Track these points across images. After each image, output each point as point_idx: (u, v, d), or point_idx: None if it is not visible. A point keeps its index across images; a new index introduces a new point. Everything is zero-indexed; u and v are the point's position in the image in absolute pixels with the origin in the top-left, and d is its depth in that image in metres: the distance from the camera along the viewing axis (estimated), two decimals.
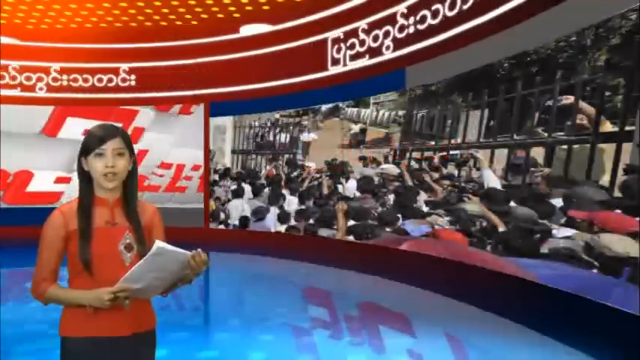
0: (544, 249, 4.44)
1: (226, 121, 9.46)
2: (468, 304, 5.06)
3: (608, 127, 4.04)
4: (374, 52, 6.98)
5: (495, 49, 5.11)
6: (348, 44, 7.37)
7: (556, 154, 4.57)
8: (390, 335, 4.56)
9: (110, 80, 9.48)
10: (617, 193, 3.84)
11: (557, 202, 4.41)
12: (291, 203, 8.33)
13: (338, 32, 7.52)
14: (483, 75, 5.42)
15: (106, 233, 1.64)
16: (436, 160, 6.26)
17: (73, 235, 1.62)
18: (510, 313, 4.58)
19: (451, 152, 6.01)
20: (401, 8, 6.52)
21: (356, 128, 7.76)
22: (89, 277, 1.61)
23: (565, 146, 4.46)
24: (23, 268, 6.90)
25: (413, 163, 6.65)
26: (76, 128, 9.22)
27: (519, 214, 4.75)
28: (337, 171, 7.78)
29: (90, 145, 1.63)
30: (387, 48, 6.74)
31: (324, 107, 8.35)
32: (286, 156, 8.89)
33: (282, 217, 8.29)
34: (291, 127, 8.85)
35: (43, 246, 1.63)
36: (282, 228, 8.27)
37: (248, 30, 8.63)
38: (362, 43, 7.14)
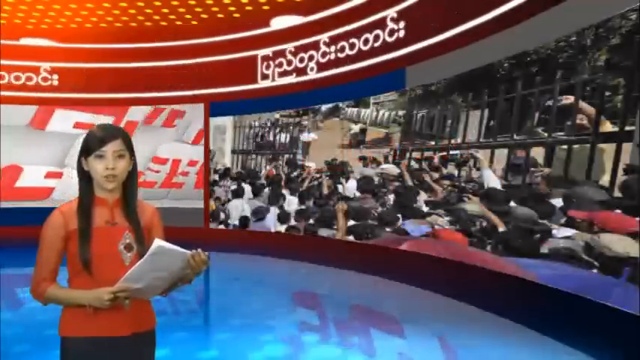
0: (544, 249, 4.44)
1: (226, 121, 9.46)
2: (468, 304, 5.06)
3: (608, 127, 4.04)
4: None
5: (495, 49, 5.11)
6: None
7: (556, 154, 4.57)
8: (390, 335, 4.56)
9: (109, 80, 9.46)
10: (617, 193, 3.84)
11: (557, 202, 4.41)
12: (291, 203, 8.33)
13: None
14: (483, 75, 5.42)
15: (105, 233, 1.64)
16: (436, 160, 6.26)
17: (73, 235, 1.62)
18: (510, 313, 4.58)
19: (451, 152, 6.01)
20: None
21: (356, 128, 7.76)
22: (89, 276, 1.61)
23: (565, 146, 4.47)
24: (21, 268, 6.90)
25: (413, 163, 6.64)
26: (65, 121, 9.12)
27: (519, 214, 4.75)
28: (337, 171, 7.78)
29: (90, 145, 1.63)
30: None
31: (324, 107, 8.35)
32: (286, 156, 8.89)
33: (282, 217, 8.29)
34: (291, 127, 8.85)
35: (43, 246, 1.63)
36: (282, 228, 8.27)
37: (279, 22, 8.27)
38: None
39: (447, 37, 5.78)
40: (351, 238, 7.10)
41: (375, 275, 6.42)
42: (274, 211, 8.44)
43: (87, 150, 1.64)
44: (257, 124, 9.26)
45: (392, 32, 6.70)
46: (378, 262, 6.46)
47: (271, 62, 8.53)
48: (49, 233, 1.63)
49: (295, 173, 8.58)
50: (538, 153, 4.76)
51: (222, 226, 9.12)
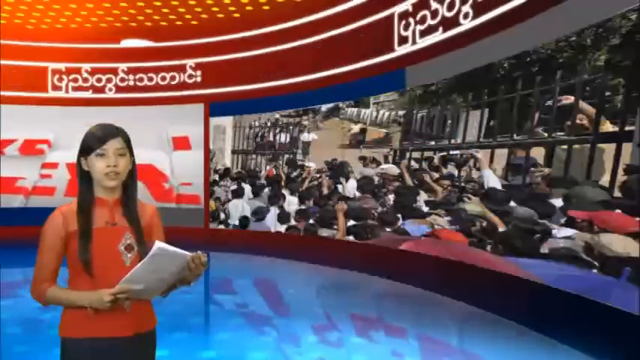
0: (544, 249, 4.44)
1: (226, 121, 9.45)
2: (468, 304, 5.06)
3: (608, 127, 4.04)
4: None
5: (495, 49, 5.11)
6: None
7: (556, 154, 4.57)
8: (389, 335, 4.55)
9: (109, 80, 9.46)
10: (617, 193, 3.84)
11: (557, 202, 4.41)
12: (291, 203, 8.33)
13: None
14: (483, 75, 5.42)
15: (106, 234, 1.64)
16: (436, 160, 6.26)
17: (73, 236, 1.61)
18: (510, 313, 4.57)
19: (451, 152, 6.01)
20: None
21: (356, 128, 7.76)
22: (89, 277, 1.60)
23: (565, 146, 4.47)
24: (22, 268, 6.90)
25: (413, 163, 6.64)
26: None
27: (519, 214, 4.75)
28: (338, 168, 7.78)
29: (90, 145, 1.62)
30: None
31: (324, 107, 8.35)
32: (286, 156, 8.89)
33: (282, 217, 8.29)
34: (291, 127, 8.85)
35: (43, 247, 1.63)
36: (282, 228, 8.27)
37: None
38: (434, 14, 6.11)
39: (447, 37, 5.77)
40: (351, 238, 7.10)
41: (375, 275, 6.42)
42: (274, 211, 8.45)
43: (87, 149, 1.63)
44: (257, 124, 9.26)
45: None
46: (378, 262, 6.46)
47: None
48: (49, 234, 1.62)
49: (295, 173, 8.58)
50: (538, 153, 4.76)
51: (222, 226, 9.12)
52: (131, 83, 9.46)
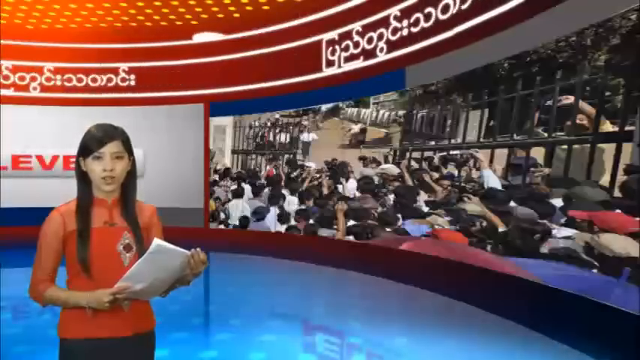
0: (544, 249, 4.44)
1: (226, 121, 9.45)
2: (468, 304, 5.05)
3: (608, 127, 4.04)
4: (369, 54, 7.00)
5: (495, 49, 5.11)
6: (342, 46, 7.39)
7: (556, 154, 4.57)
8: (389, 335, 4.55)
9: (109, 80, 9.46)
10: (617, 193, 3.84)
11: (557, 202, 4.41)
12: (291, 203, 8.33)
13: (333, 34, 7.53)
14: (483, 75, 5.42)
15: (104, 234, 1.63)
16: (436, 160, 6.26)
17: (72, 236, 1.60)
18: (510, 313, 4.57)
19: (451, 152, 6.01)
20: (394, 11, 6.57)
21: (356, 128, 7.76)
22: (88, 278, 1.59)
23: (565, 146, 4.46)
24: (22, 269, 6.88)
25: (413, 163, 6.64)
26: None
27: (519, 214, 4.75)
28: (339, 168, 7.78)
29: (88, 146, 1.61)
30: (382, 50, 6.78)
31: (324, 107, 8.35)
32: (286, 156, 8.89)
33: (282, 217, 8.29)
34: (291, 127, 8.85)
35: (42, 247, 1.62)
36: (282, 228, 8.27)
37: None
38: (356, 45, 7.17)
39: (447, 37, 5.77)
40: (351, 238, 7.10)
41: (375, 275, 6.42)
42: (274, 211, 8.44)
43: (85, 151, 1.63)
44: (257, 124, 9.27)
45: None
46: (378, 262, 6.46)
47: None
48: (47, 234, 1.61)
49: (295, 173, 8.58)
50: (538, 153, 4.75)
51: (222, 226, 9.12)
52: (132, 83, 9.47)
